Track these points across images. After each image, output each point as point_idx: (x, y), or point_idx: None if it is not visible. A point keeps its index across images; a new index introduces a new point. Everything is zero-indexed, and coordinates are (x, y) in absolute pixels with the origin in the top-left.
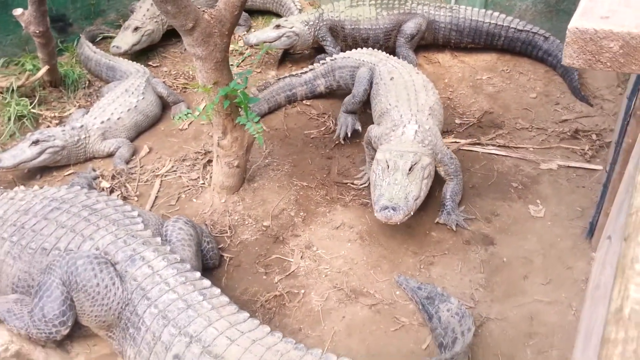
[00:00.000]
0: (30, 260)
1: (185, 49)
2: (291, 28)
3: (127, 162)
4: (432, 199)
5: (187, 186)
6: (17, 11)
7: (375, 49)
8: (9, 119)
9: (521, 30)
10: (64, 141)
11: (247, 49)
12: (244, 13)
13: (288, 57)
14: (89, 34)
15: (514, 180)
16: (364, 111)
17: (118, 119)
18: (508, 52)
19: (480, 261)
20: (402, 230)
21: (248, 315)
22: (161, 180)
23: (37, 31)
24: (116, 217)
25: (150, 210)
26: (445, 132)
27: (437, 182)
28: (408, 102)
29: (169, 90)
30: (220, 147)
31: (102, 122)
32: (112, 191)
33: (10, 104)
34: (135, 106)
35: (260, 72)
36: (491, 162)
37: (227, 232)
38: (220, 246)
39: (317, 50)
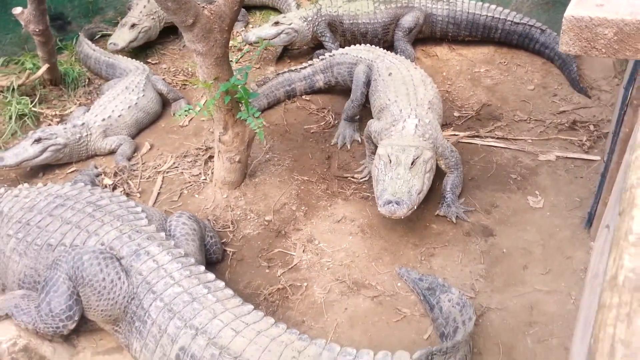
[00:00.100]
0: (36, 256)
1: (183, 46)
2: (290, 25)
3: (129, 159)
4: (432, 192)
5: (189, 182)
6: (17, 10)
7: (373, 45)
8: (10, 118)
9: (518, 23)
10: (65, 139)
11: (245, 45)
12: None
13: (287, 52)
14: (88, 32)
15: (513, 171)
16: (364, 106)
17: (119, 116)
18: (505, 45)
19: (480, 252)
20: (403, 223)
21: (252, 307)
22: (163, 177)
23: (37, 29)
24: (120, 213)
25: (152, 206)
26: (444, 125)
27: (437, 175)
28: (407, 97)
29: (169, 87)
30: (221, 142)
31: (103, 120)
32: (114, 188)
33: (11, 102)
34: (136, 103)
35: (259, 67)
36: (490, 154)
37: (229, 227)
38: (223, 241)
39: (315, 46)
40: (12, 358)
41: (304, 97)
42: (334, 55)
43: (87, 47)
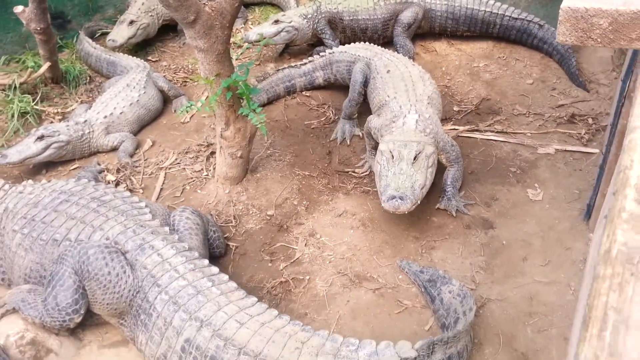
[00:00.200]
0: (41, 251)
1: (183, 44)
2: (290, 22)
3: (131, 156)
4: (432, 186)
5: (191, 178)
6: (18, 8)
7: (373, 41)
8: (13, 116)
9: (516, 19)
10: (68, 136)
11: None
12: None
13: (287, 49)
14: (88, 30)
15: (513, 165)
16: (363, 101)
17: (121, 113)
18: (504, 40)
19: (480, 244)
20: (404, 217)
21: (256, 299)
22: (165, 173)
23: (38, 28)
24: (124, 208)
25: (155, 202)
26: (444, 120)
27: (438, 169)
28: (406, 93)
29: (170, 85)
30: (223, 138)
31: (105, 117)
32: (117, 184)
33: (13, 101)
34: (137, 100)
35: (259, 64)
36: (490, 148)
37: (232, 222)
38: (225, 235)
39: (314, 43)
40: (20, 351)
41: (304, 93)
42: (333, 52)
43: (87, 45)
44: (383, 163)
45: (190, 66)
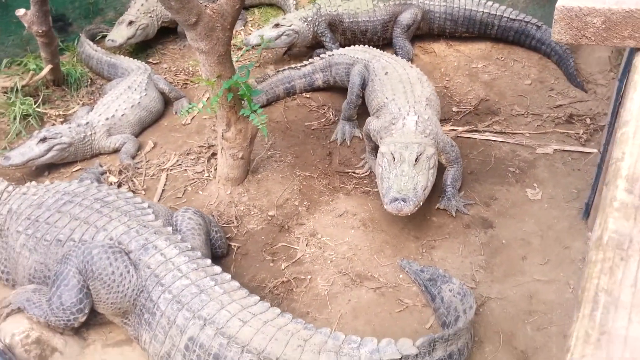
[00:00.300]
0: (45, 251)
1: (184, 46)
2: (290, 26)
3: (133, 157)
4: (432, 186)
5: (193, 179)
6: (20, 11)
7: (371, 45)
8: (15, 118)
9: (514, 20)
10: (70, 138)
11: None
12: None
13: (287, 51)
14: (89, 32)
15: (511, 165)
16: (362, 103)
17: (122, 115)
18: (502, 41)
19: (480, 244)
20: (404, 217)
21: (258, 298)
22: (167, 174)
23: (40, 31)
24: (127, 209)
25: (158, 203)
26: (443, 120)
27: (437, 169)
28: (405, 95)
29: (171, 87)
30: (224, 139)
31: (107, 119)
32: (119, 185)
33: (15, 103)
34: (139, 102)
35: (259, 66)
36: (489, 148)
37: (233, 222)
38: (227, 236)
39: (313, 45)
40: (25, 350)
41: (304, 94)
42: (333, 55)
43: (88, 47)
44: (384, 165)
45: (190, 68)
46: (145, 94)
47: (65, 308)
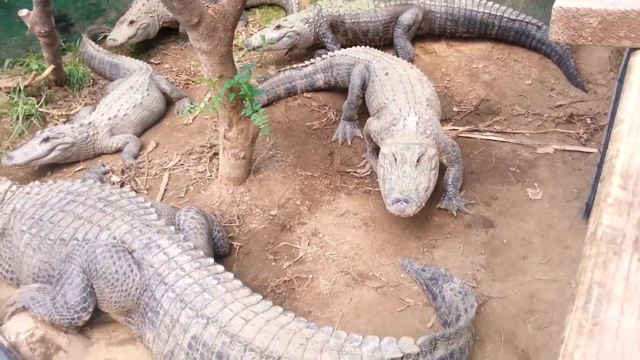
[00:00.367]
0: (49, 250)
1: (185, 46)
2: (292, 28)
3: (136, 157)
4: None
5: (195, 179)
6: (23, 12)
7: (373, 45)
8: (17, 118)
9: (514, 20)
10: (73, 138)
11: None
12: None
13: (288, 51)
14: (91, 33)
15: (512, 164)
16: (362, 103)
17: (124, 115)
18: (502, 41)
19: (481, 243)
20: (405, 217)
21: (261, 297)
22: (169, 174)
23: (43, 31)
24: (131, 208)
25: (160, 202)
26: (443, 120)
27: (439, 169)
28: (405, 95)
29: (172, 87)
30: (226, 139)
31: (109, 119)
32: (122, 185)
33: (17, 103)
34: (141, 102)
35: (260, 66)
36: (489, 148)
37: (235, 222)
38: (229, 235)
39: (314, 47)
40: (30, 348)
41: (305, 94)
42: (334, 55)
43: (90, 47)
44: (386, 166)
45: (192, 68)
46: (147, 94)
47: (69, 307)
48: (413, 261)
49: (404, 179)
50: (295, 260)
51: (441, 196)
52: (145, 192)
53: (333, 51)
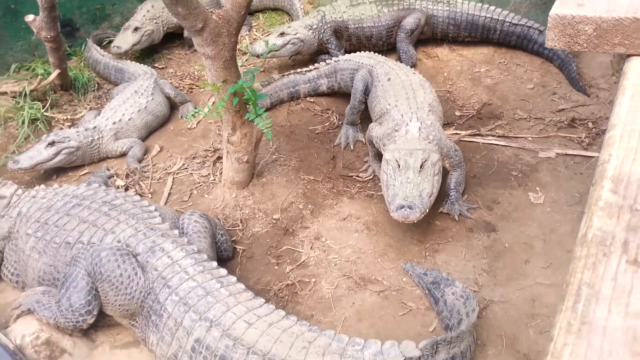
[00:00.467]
0: (54, 254)
1: (189, 51)
2: (295, 34)
3: (140, 161)
4: None
5: (199, 183)
6: (29, 17)
7: (376, 50)
8: (23, 122)
9: (516, 24)
10: (78, 142)
11: (250, 48)
12: None
13: (292, 56)
14: (96, 38)
15: (514, 169)
16: (365, 108)
17: (129, 119)
18: (504, 46)
19: (483, 247)
20: None
21: (264, 300)
22: (173, 178)
23: (49, 36)
24: (135, 212)
25: (164, 206)
26: (445, 124)
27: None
28: (407, 101)
29: (176, 91)
30: (230, 143)
31: (114, 123)
32: (126, 189)
33: (23, 107)
34: (145, 107)
35: (263, 70)
36: (491, 152)
37: (238, 226)
38: (232, 239)
39: (318, 54)
40: (35, 351)
41: (308, 98)
42: (338, 60)
43: (96, 52)
44: (389, 172)
45: (196, 73)
46: (152, 99)
47: (74, 310)
48: (415, 265)
49: (408, 185)
50: (298, 264)
51: (443, 200)
52: (150, 195)
53: (337, 57)
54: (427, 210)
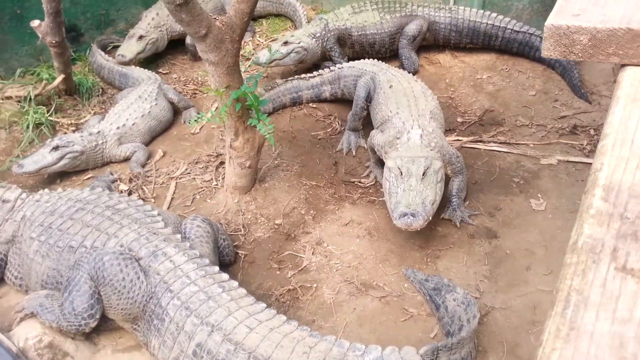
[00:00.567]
0: (58, 258)
1: (191, 59)
2: (299, 44)
3: (143, 166)
4: None
5: (201, 187)
6: (34, 23)
7: (379, 57)
8: (28, 127)
9: (518, 32)
10: (82, 146)
11: (253, 53)
12: None
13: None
14: (100, 43)
15: (516, 175)
16: (367, 115)
17: (133, 124)
18: (507, 52)
19: (484, 254)
20: None
21: (265, 305)
22: (176, 183)
23: (54, 41)
24: (138, 216)
25: (167, 210)
26: (447, 131)
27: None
28: (409, 108)
29: (180, 96)
30: (232, 148)
31: (118, 128)
32: (130, 193)
33: (28, 112)
34: (149, 112)
35: (266, 76)
36: (493, 159)
37: (241, 231)
38: (235, 244)
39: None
40: (38, 354)
41: (310, 104)
42: (342, 67)
43: (100, 57)
44: (392, 180)
45: (199, 78)
46: (156, 104)
47: (77, 313)
48: (416, 271)
49: (410, 193)
50: (300, 269)
51: (445, 206)
52: (153, 200)
53: (341, 64)
54: (430, 218)
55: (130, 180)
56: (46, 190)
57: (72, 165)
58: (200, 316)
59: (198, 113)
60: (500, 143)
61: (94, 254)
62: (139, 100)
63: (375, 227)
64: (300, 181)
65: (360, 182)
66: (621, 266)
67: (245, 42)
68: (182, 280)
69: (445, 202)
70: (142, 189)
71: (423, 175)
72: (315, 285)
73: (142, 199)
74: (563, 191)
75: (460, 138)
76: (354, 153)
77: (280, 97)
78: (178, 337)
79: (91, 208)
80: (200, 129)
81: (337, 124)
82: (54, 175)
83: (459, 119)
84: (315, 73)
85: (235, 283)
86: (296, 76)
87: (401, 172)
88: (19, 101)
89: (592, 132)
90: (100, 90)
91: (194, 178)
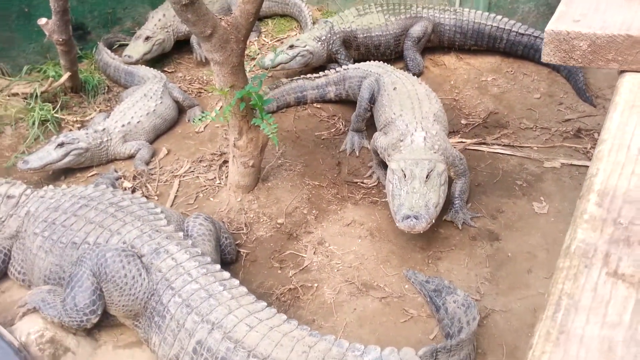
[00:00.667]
0: (61, 253)
1: (196, 59)
2: (305, 47)
3: (147, 164)
4: None
5: (205, 186)
6: (42, 20)
7: (384, 59)
8: (34, 123)
9: (523, 34)
10: (87, 143)
11: (258, 53)
12: None
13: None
14: (107, 41)
15: (519, 178)
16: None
17: (138, 122)
18: (512, 55)
19: (485, 256)
20: None
21: (265, 304)
22: (180, 181)
23: (60, 39)
24: (141, 214)
25: (170, 208)
26: (451, 132)
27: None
28: (412, 111)
29: (185, 95)
30: (236, 147)
31: (123, 126)
32: (133, 191)
33: (34, 109)
34: (154, 110)
35: (271, 76)
36: (496, 161)
37: (243, 229)
38: (237, 242)
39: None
40: (40, 349)
41: (315, 104)
42: (347, 68)
43: (106, 55)
44: (395, 182)
45: (204, 77)
46: (161, 102)
47: (78, 309)
48: (417, 272)
49: (414, 195)
50: (301, 268)
51: (448, 209)
52: (156, 198)
53: (347, 65)
54: (434, 221)
55: (134, 178)
56: (50, 186)
57: (77, 162)
58: (201, 314)
59: (202, 112)
60: (503, 145)
61: (97, 250)
62: (144, 99)
63: (377, 228)
64: (303, 181)
65: (362, 182)
66: (612, 271)
67: (250, 42)
68: (183, 278)
69: (447, 204)
70: (145, 186)
71: (426, 177)
72: (316, 284)
73: (146, 196)
74: (566, 194)
75: (464, 140)
76: (357, 154)
77: (284, 96)
78: (179, 334)
79: (95, 205)
80: (204, 128)
81: (340, 124)
82: (59, 171)
83: (463, 121)
84: (320, 73)
85: (236, 281)
86: (302, 76)
87: (404, 175)
88: (25, 98)
89: (596, 135)
90: (106, 88)
91: (198, 176)
